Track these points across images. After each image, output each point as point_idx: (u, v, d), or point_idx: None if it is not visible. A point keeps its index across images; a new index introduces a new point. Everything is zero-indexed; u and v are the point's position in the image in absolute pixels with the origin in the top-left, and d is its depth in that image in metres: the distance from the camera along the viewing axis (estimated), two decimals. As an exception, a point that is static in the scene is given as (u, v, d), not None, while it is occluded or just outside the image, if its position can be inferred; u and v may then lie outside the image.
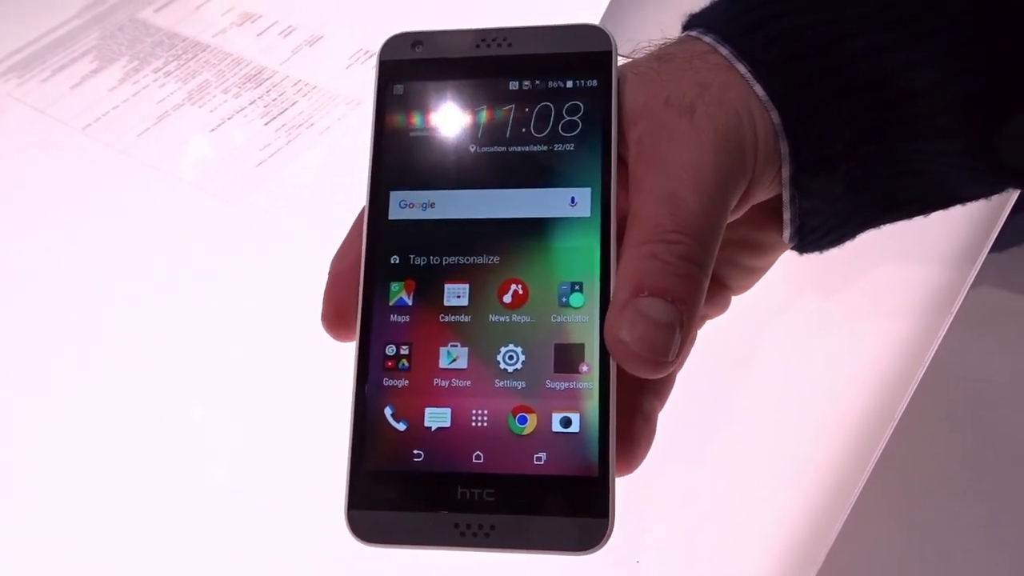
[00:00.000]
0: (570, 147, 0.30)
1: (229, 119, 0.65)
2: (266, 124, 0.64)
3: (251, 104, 0.66)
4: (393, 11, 0.69)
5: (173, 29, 0.75)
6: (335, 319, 0.29)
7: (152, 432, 0.47)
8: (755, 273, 0.36)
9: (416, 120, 0.30)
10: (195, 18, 0.75)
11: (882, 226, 0.35)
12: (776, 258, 0.36)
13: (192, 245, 0.57)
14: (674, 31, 0.34)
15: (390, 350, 0.29)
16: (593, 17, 0.54)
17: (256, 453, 0.46)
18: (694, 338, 0.33)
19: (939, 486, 0.37)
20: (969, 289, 0.42)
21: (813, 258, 0.35)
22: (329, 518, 0.28)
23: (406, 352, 0.28)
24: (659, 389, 0.30)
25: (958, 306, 0.41)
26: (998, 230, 0.42)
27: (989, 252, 0.41)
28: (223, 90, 0.67)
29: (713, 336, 0.36)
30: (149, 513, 0.44)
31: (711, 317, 0.36)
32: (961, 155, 0.31)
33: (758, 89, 0.29)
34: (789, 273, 0.36)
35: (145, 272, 0.56)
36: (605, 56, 0.30)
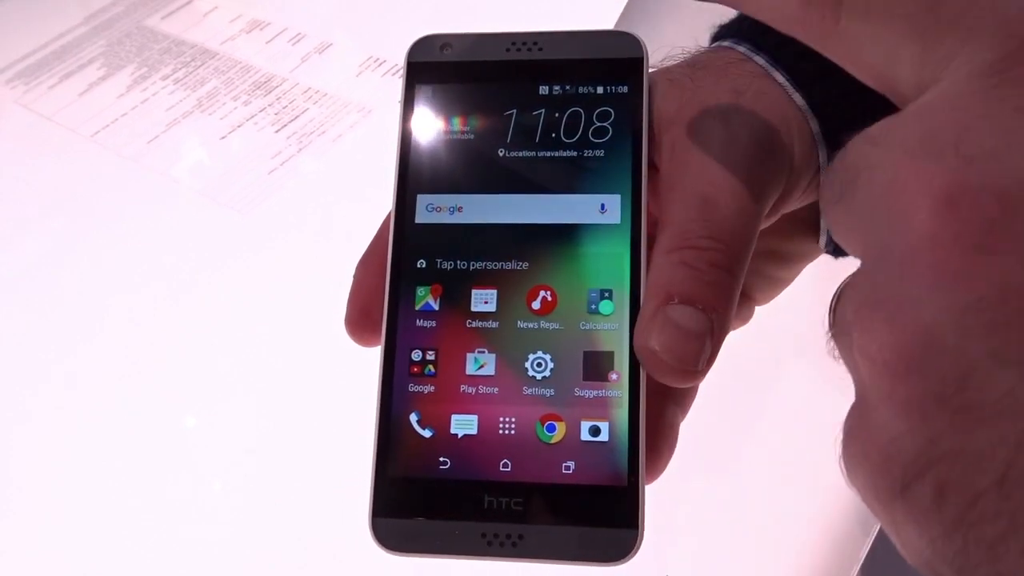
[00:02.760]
0: (600, 153, 0.29)
1: (239, 127, 0.64)
2: (277, 132, 0.63)
3: (261, 112, 0.65)
4: (402, 19, 0.69)
5: (180, 36, 0.74)
6: (359, 323, 0.29)
7: (161, 441, 0.47)
8: (780, 284, 0.36)
9: (444, 123, 0.30)
10: (202, 25, 0.75)
11: None
12: (801, 269, 0.35)
13: (203, 254, 0.57)
14: (685, 41, 0.34)
15: (416, 355, 0.28)
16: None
17: (274, 462, 0.45)
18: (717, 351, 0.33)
19: None
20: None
21: (839, 268, 0.35)
22: (351, 527, 0.27)
23: (432, 357, 0.28)
24: (682, 399, 0.30)
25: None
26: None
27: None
28: (232, 97, 0.67)
29: (738, 347, 0.35)
30: (158, 523, 0.44)
31: (734, 328, 0.36)
32: None
33: (797, 98, 0.29)
34: (816, 276, 0.36)
35: (155, 281, 0.55)
36: (637, 62, 0.30)
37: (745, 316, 0.36)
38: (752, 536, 0.39)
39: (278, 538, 0.42)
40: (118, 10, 0.79)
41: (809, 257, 0.35)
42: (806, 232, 0.33)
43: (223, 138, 0.64)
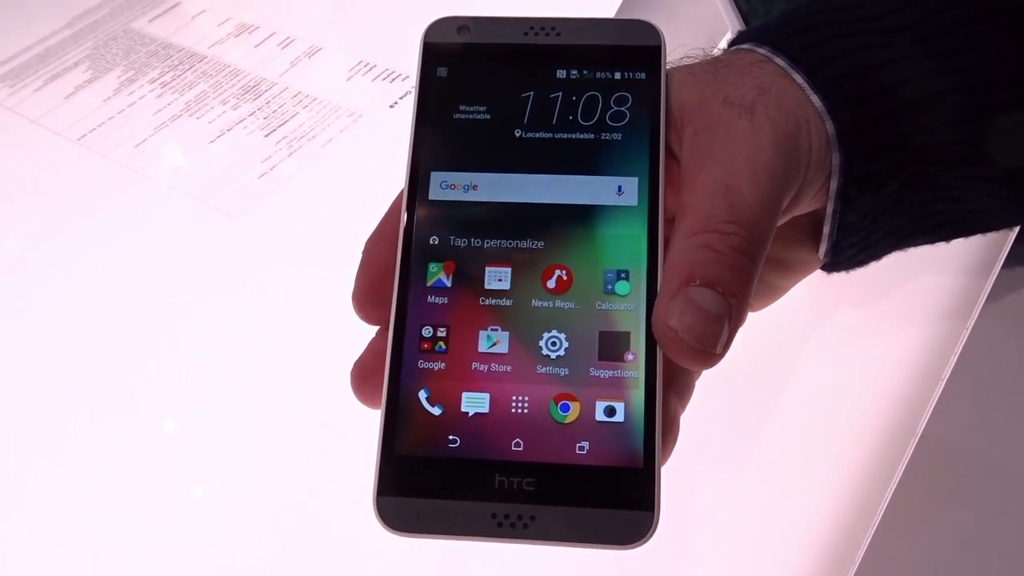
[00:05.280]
0: (618, 137, 0.29)
1: (228, 131, 0.64)
2: (266, 136, 0.63)
3: (250, 116, 0.65)
4: (393, 23, 0.68)
5: (168, 39, 0.73)
6: (366, 300, 0.28)
7: (149, 446, 0.46)
8: (776, 292, 0.36)
9: (459, 103, 0.30)
10: (190, 28, 0.74)
11: (910, 248, 0.35)
12: (799, 280, 0.36)
13: (192, 259, 0.56)
14: (683, 40, 0.34)
15: (427, 332, 0.28)
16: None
17: (269, 461, 0.44)
18: None
19: (968, 489, 0.37)
20: (990, 292, 0.42)
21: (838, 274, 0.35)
22: (355, 510, 0.27)
23: (443, 334, 0.28)
24: (682, 391, 0.30)
25: (979, 308, 0.42)
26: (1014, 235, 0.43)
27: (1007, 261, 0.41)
28: (221, 101, 0.66)
29: (739, 348, 0.35)
30: (156, 518, 0.43)
31: None
32: (998, 183, 0.32)
33: (815, 99, 0.29)
34: (816, 280, 0.36)
35: (144, 285, 0.55)
36: (654, 50, 0.30)
37: None
38: (751, 532, 0.39)
39: (276, 517, 0.42)
40: (104, 12, 0.78)
41: (806, 269, 0.35)
42: (806, 241, 0.33)
43: (212, 142, 0.63)
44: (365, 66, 0.66)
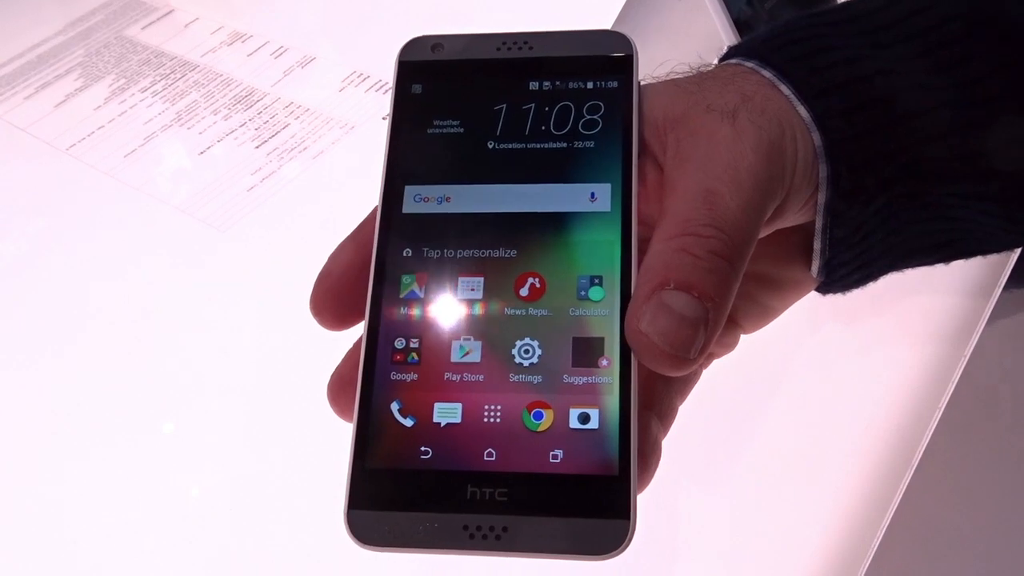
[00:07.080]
0: (590, 144, 0.29)
1: (219, 141, 0.63)
2: (257, 147, 0.62)
3: (241, 126, 0.64)
4: (387, 34, 0.68)
5: (161, 48, 0.73)
6: (321, 305, 0.28)
7: (135, 458, 0.46)
8: (769, 313, 0.35)
9: (433, 118, 0.30)
10: (183, 37, 0.74)
11: (906, 270, 0.34)
12: (793, 301, 0.35)
13: (180, 272, 0.55)
14: (678, 55, 0.33)
15: (399, 343, 0.27)
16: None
17: (252, 470, 0.44)
18: (699, 376, 0.32)
19: (970, 502, 0.36)
20: (993, 309, 0.42)
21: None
22: (325, 524, 0.26)
23: (416, 345, 0.27)
24: (664, 415, 0.29)
25: (980, 330, 0.41)
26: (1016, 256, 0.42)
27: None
28: (212, 111, 0.66)
29: (735, 368, 0.35)
30: (137, 528, 0.43)
31: (718, 356, 0.35)
32: (992, 201, 0.31)
33: (802, 110, 0.29)
34: (811, 301, 0.35)
35: (131, 298, 0.54)
36: (626, 60, 0.30)
37: (730, 343, 0.35)
38: (747, 551, 0.38)
39: (249, 536, 0.41)
40: (97, 19, 0.77)
41: (800, 289, 0.34)
42: (798, 259, 0.32)
43: (202, 153, 0.63)
44: (359, 76, 0.65)
